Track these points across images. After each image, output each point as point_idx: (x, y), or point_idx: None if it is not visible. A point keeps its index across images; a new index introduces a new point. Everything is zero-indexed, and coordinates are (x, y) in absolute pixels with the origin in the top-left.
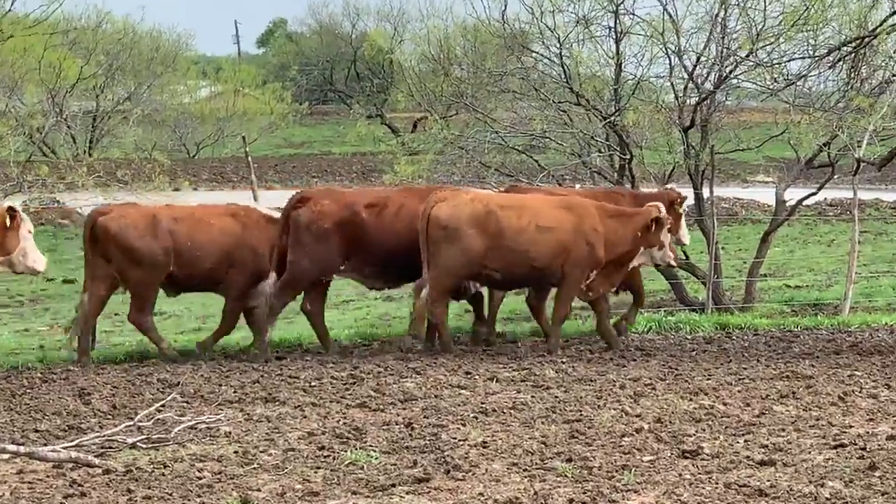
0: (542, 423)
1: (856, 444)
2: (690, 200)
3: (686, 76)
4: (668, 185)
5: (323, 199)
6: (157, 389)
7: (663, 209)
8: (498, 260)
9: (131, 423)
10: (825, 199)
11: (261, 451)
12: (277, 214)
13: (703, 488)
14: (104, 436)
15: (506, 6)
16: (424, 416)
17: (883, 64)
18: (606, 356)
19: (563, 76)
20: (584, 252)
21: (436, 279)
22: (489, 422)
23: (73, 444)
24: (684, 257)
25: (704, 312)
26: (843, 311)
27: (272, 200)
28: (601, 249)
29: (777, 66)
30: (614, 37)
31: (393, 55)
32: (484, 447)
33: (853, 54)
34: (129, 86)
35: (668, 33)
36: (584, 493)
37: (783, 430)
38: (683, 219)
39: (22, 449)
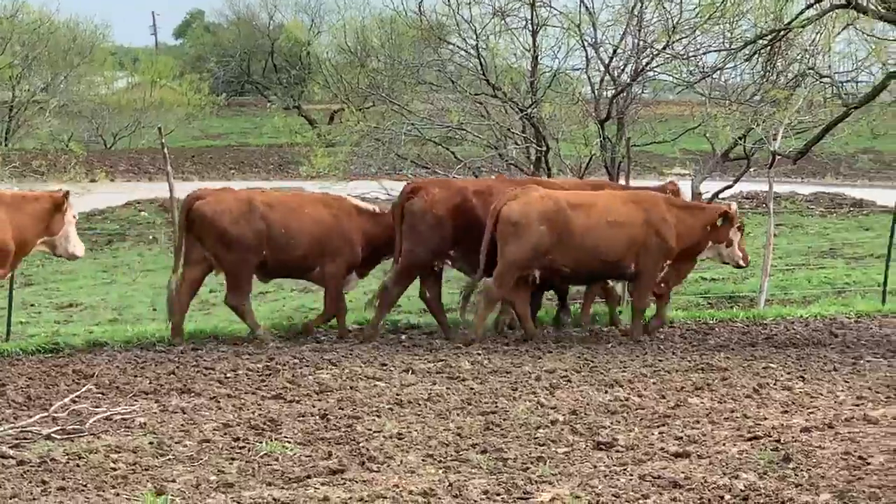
0: (458, 414)
1: (770, 437)
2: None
3: (602, 69)
4: (670, 178)
5: (434, 188)
6: (73, 381)
7: (734, 206)
8: (565, 255)
9: (46, 414)
10: (741, 191)
11: (176, 443)
12: (366, 205)
13: (618, 480)
14: (18, 427)
15: None
16: (340, 408)
17: (798, 57)
18: (522, 348)
19: (479, 68)
20: (655, 245)
21: (501, 273)
22: (404, 413)
23: None
24: None
25: (620, 304)
26: (758, 304)
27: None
28: (673, 241)
29: (693, 58)
30: (531, 29)
31: (310, 47)
32: (399, 439)
33: (769, 47)
34: (45, 76)
35: (584, 26)
36: (499, 484)
37: (698, 422)
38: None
39: None
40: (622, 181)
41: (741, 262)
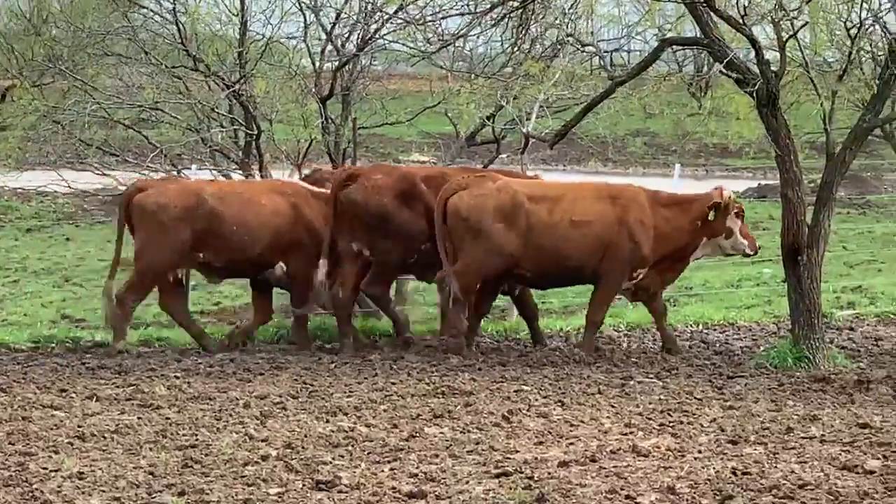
0: (151, 449)
1: (522, 473)
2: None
3: (324, 36)
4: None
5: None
6: None
7: (727, 191)
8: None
9: None
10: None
11: None
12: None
13: None
14: None
15: None
16: (10, 443)
17: (556, 22)
18: (228, 370)
19: (177, 36)
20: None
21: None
22: (87, 448)
23: None
24: None
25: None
26: (510, 316)
27: None
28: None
29: (431, 24)
30: None
31: None
32: (80, 479)
33: (520, 10)
34: None
35: None
36: None
37: (436, 455)
38: None
39: None
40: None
41: (748, 251)
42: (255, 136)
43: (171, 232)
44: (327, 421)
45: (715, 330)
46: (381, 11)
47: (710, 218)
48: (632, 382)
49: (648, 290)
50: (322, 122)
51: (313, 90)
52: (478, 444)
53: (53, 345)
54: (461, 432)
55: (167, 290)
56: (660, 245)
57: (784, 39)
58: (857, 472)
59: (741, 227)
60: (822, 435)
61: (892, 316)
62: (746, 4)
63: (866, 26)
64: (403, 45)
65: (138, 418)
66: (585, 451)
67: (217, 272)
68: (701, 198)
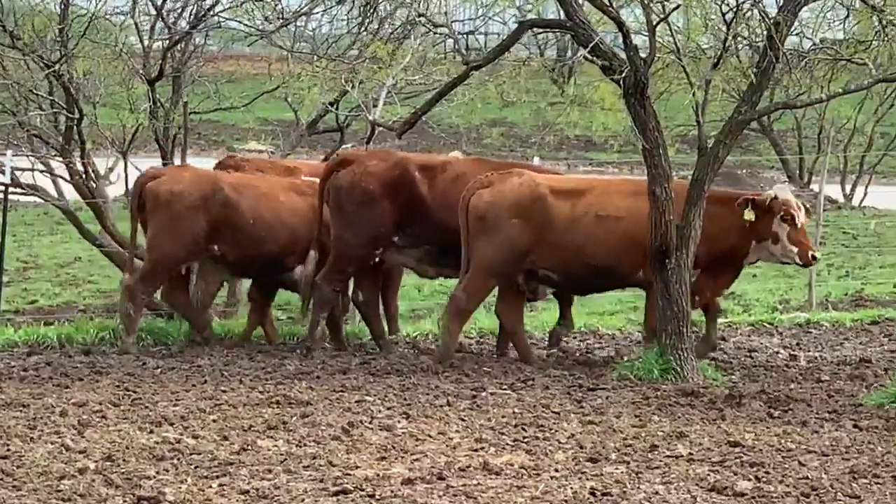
0: None
1: (362, 490)
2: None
3: (154, 12)
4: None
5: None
6: None
7: (785, 192)
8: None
9: None
10: None
11: None
12: None
13: None
14: None
15: None
16: None
17: (408, 0)
18: (44, 374)
19: None
20: None
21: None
22: None
23: None
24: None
25: (174, 319)
26: (351, 320)
27: None
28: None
29: (270, 0)
30: None
31: None
32: None
33: None
34: None
35: None
36: None
37: (270, 471)
38: None
39: None
40: (177, 158)
41: (797, 260)
42: (76, 121)
43: (186, 221)
44: (151, 431)
45: (575, 338)
46: None
47: (745, 217)
48: (484, 394)
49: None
50: (150, 106)
51: (141, 71)
52: (315, 458)
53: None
54: (297, 446)
55: (173, 282)
56: (709, 246)
57: (654, 23)
58: (727, 495)
59: (790, 232)
60: (690, 453)
61: (766, 325)
62: None
63: (743, 10)
64: (240, 22)
65: None
66: (432, 467)
67: (231, 267)
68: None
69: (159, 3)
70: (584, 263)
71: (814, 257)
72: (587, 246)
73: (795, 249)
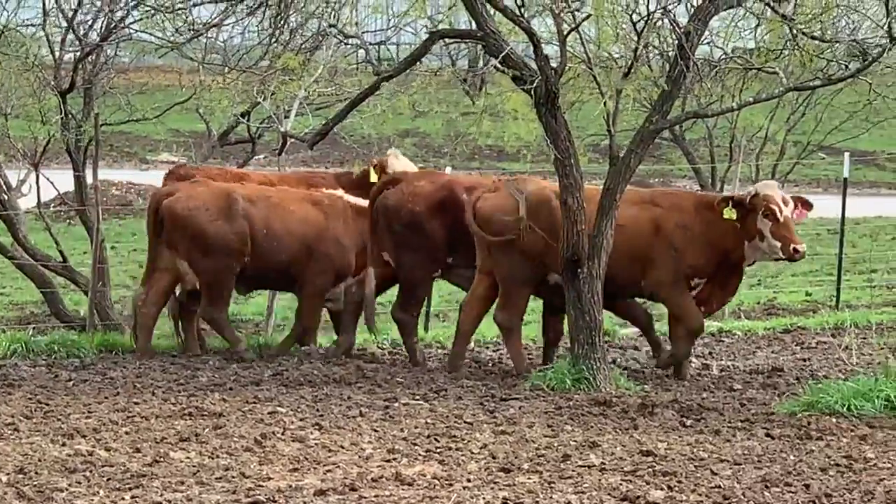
0: None
1: (275, 502)
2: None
3: (65, 24)
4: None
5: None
6: None
7: (767, 188)
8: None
9: None
10: None
11: None
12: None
13: None
14: None
15: None
16: None
17: (319, 11)
18: None
19: None
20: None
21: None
22: None
23: None
24: (62, 259)
25: (86, 331)
26: (265, 330)
27: None
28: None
29: (182, 12)
30: None
31: None
32: None
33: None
34: None
35: None
36: None
37: (182, 482)
38: None
39: None
40: (89, 170)
41: (779, 254)
42: None
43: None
44: (63, 444)
45: (488, 348)
46: None
47: (725, 216)
48: (396, 404)
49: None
50: (62, 118)
51: (52, 83)
52: (227, 470)
53: None
54: (209, 457)
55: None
56: (709, 253)
57: (565, 33)
58: None
59: (772, 227)
60: (602, 463)
61: None
62: None
63: (654, 19)
64: (151, 34)
65: None
66: (345, 478)
67: (246, 281)
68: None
69: (70, 15)
70: None
71: (795, 250)
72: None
73: (778, 244)
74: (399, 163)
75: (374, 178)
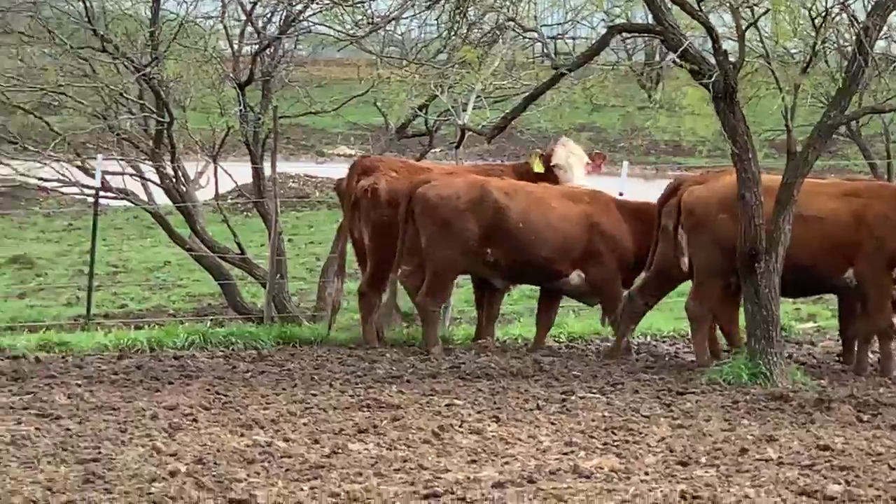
0: (49, 463)
1: (453, 493)
2: None
3: (244, 17)
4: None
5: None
6: None
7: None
8: None
9: None
10: None
11: None
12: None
13: None
14: None
15: None
16: None
17: (497, 5)
18: (135, 378)
19: (84, 14)
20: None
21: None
22: None
23: None
24: (239, 252)
25: (264, 323)
26: (444, 321)
27: None
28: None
29: (360, 5)
30: None
31: None
32: None
33: None
34: None
35: None
36: None
37: (360, 474)
38: None
39: None
40: (267, 162)
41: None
42: (167, 124)
43: (456, 226)
44: (242, 435)
45: (664, 342)
46: None
47: None
48: (573, 398)
49: None
50: (240, 110)
51: (231, 75)
52: (405, 462)
53: None
54: (388, 449)
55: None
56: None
57: (743, 28)
58: (817, 498)
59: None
60: (779, 457)
61: None
62: None
63: (832, 15)
64: (330, 27)
65: (36, 429)
66: (522, 471)
67: (502, 273)
68: None
69: (249, 7)
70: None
71: None
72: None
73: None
74: (566, 151)
75: (538, 168)
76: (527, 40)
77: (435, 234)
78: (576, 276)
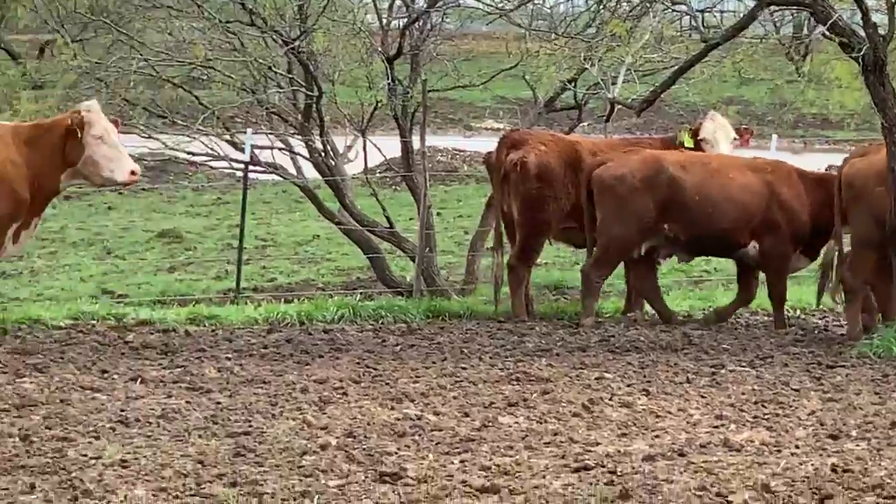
0: (200, 436)
1: (604, 467)
2: None
3: None
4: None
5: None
6: None
7: None
8: None
9: None
10: None
11: None
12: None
13: None
14: None
15: None
16: (46, 427)
17: None
18: (285, 352)
19: None
20: None
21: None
22: (130, 434)
23: None
24: (388, 225)
25: (413, 296)
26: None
27: None
28: None
29: None
30: None
31: None
32: (123, 467)
33: None
34: None
35: None
36: None
37: (511, 447)
38: None
39: None
40: (416, 136)
41: None
42: (315, 98)
43: (632, 204)
44: (392, 408)
45: (814, 315)
46: None
47: None
48: (723, 371)
49: None
50: (389, 84)
51: (379, 49)
52: (556, 435)
53: (94, 322)
54: (538, 422)
55: (636, 267)
56: None
57: (893, 0)
58: None
59: None
60: None
61: None
62: None
63: None
64: (479, 1)
65: (186, 402)
66: (672, 444)
67: (683, 247)
68: None
69: None
70: None
71: None
72: None
73: None
74: (714, 126)
75: (688, 142)
76: (676, 13)
77: (611, 213)
78: (752, 248)
